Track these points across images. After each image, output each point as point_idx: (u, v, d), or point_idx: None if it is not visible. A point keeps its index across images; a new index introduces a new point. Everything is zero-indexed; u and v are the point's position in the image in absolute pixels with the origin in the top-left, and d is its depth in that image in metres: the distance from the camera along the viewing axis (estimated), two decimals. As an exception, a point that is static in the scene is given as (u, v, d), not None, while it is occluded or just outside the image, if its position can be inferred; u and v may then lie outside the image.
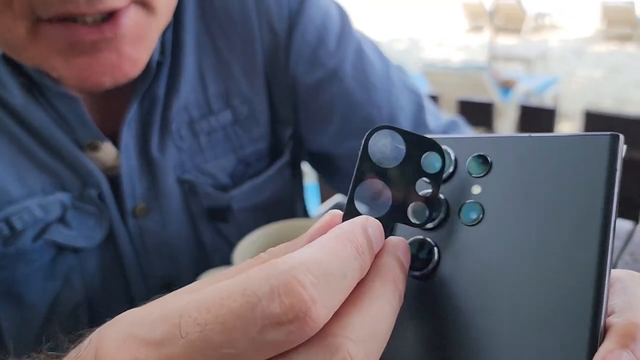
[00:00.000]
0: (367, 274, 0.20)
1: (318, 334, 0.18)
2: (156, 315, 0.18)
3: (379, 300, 0.20)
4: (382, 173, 0.23)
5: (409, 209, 0.23)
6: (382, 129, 0.23)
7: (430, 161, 0.23)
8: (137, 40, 0.43)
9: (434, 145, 0.23)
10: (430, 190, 0.23)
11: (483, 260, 0.22)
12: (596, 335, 0.19)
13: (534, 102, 4.07)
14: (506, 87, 4.11)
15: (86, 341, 0.19)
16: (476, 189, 0.24)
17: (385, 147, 0.23)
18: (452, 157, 0.25)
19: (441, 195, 0.24)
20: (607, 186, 0.21)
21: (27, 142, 0.48)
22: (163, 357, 0.17)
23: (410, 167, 0.23)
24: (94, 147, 0.51)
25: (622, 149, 0.22)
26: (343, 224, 0.21)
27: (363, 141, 0.23)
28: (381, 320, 0.19)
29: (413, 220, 0.23)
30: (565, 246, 0.21)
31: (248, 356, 0.17)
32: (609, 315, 0.21)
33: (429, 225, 0.24)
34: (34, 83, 0.47)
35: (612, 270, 0.23)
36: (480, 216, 0.23)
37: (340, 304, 0.19)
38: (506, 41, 9.07)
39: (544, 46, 8.28)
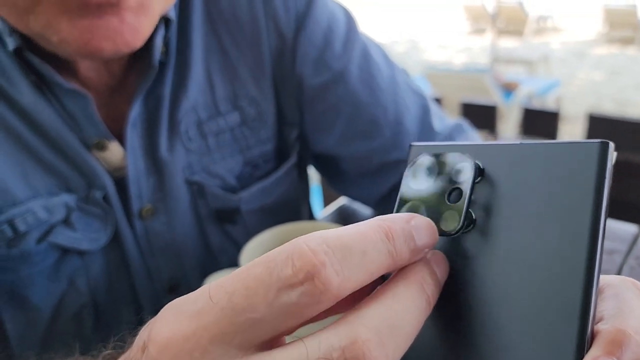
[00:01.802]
0: (395, 275, 0.21)
1: (335, 322, 0.19)
2: (197, 291, 0.20)
3: (401, 298, 0.20)
4: (417, 194, 0.25)
5: (441, 219, 0.23)
6: (417, 159, 0.25)
7: (461, 171, 0.24)
8: (140, 9, 0.43)
9: (461, 158, 0.24)
10: (461, 198, 0.24)
11: (473, 268, 0.23)
12: (583, 342, 0.19)
13: (536, 104, 4.07)
14: (508, 89, 4.11)
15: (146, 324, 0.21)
16: None
17: (418, 171, 0.25)
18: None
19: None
20: (596, 193, 0.21)
21: (34, 142, 0.48)
22: (199, 326, 0.18)
23: (442, 182, 0.24)
24: (101, 147, 0.51)
25: (612, 156, 0.22)
26: (384, 215, 0.21)
27: (404, 173, 0.25)
28: (403, 316, 0.19)
29: (444, 229, 0.23)
30: (554, 253, 0.21)
31: (269, 322, 0.18)
32: (597, 322, 0.21)
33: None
34: (44, 81, 0.47)
35: (604, 276, 0.23)
36: (472, 224, 0.24)
37: (361, 281, 0.19)
38: (508, 43, 9.07)
39: (546, 49, 8.28)
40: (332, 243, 0.19)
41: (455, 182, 0.24)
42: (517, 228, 0.22)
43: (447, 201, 0.24)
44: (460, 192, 0.23)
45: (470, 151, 0.25)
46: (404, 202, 0.25)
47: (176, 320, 0.19)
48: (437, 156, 0.25)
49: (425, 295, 0.21)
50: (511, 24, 9.75)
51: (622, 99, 5.69)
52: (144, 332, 0.20)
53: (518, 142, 0.24)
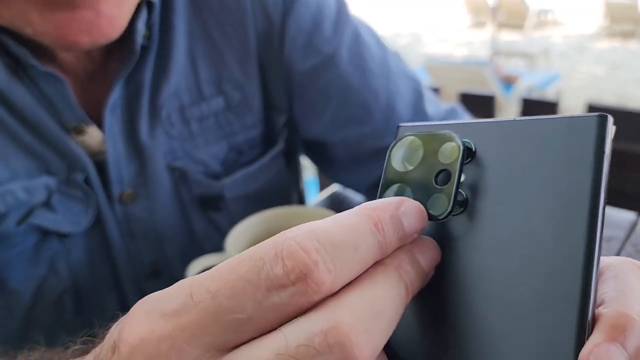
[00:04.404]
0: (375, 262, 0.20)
1: (314, 309, 0.18)
2: (173, 289, 0.19)
3: (380, 284, 0.19)
4: (403, 176, 0.23)
5: (428, 202, 0.22)
6: (401, 138, 0.24)
7: (447, 152, 0.23)
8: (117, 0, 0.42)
9: (449, 137, 0.23)
10: (449, 181, 0.22)
11: (467, 250, 0.22)
12: (584, 328, 0.18)
13: (536, 97, 4.05)
14: (508, 82, 4.10)
15: (117, 321, 0.20)
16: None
17: (403, 152, 0.24)
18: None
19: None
20: (595, 170, 0.20)
21: (12, 124, 0.47)
22: (177, 326, 0.17)
23: (429, 163, 0.23)
24: (80, 131, 0.49)
25: (611, 130, 0.20)
26: (372, 202, 0.21)
27: (387, 154, 0.24)
28: (383, 302, 0.19)
29: (432, 213, 0.22)
30: (552, 234, 0.20)
31: (256, 321, 0.17)
32: (599, 305, 0.20)
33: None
34: (19, 64, 0.46)
35: (603, 258, 0.22)
36: (464, 206, 0.22)
37: (352, 275, 0.18)
38: (508, 37, 9.05)
39: (547, 42, 8.25)
40: (323, 239, 0.18)
41: (443, 164, 0.22)
42: (512, 208, 0.21)
43: (434, 184, 0.22)
44: (448, 174, 0.22)
45: (460, 130, 0.23)
46: (388, 183, 0.23)
47: (150, 319, 0.18)
48: (424, 136, 0.23)
49: (404, 282, 0.20)
50: (512, 17, 9.70)
51: (623, 93, 5.67)
52: (114, 331, 0.20)
53: (511, 119, 0.23)
